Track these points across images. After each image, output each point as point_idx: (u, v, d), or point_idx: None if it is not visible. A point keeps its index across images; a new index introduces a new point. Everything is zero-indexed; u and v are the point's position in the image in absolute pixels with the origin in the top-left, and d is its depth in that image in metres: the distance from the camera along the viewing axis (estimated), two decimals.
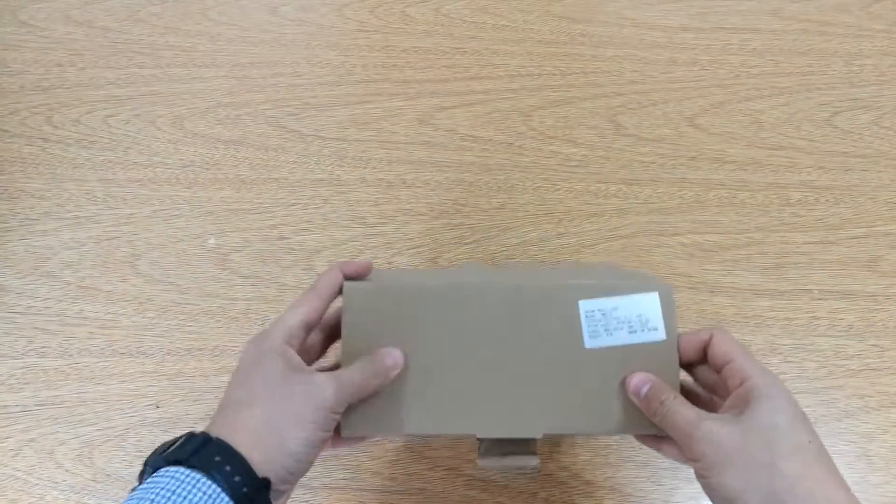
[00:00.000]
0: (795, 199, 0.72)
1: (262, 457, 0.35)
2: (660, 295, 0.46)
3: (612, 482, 0.57)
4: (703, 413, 0.39)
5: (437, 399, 0.45)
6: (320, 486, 0.57)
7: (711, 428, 0.38)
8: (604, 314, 0.46)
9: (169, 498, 0.32)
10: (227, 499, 0.33)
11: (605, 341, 0.46)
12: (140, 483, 0.35)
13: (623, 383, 0.45)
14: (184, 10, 0.86)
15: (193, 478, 0.33)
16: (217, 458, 0.34)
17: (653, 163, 0.74)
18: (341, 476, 0.57)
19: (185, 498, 0.32)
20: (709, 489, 0.38)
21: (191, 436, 0.36)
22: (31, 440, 0.59)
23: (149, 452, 0.58)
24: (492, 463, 0.47)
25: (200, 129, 0.76)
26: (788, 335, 0.64)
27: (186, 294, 0.66)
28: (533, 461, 0.47)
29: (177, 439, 0.36)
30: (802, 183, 0.73)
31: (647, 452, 0.58)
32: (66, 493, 0.57)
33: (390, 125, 0.76)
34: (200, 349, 0.63)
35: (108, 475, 0.58)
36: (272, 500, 0.36)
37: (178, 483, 0.33)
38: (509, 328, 0.46)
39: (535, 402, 0.45)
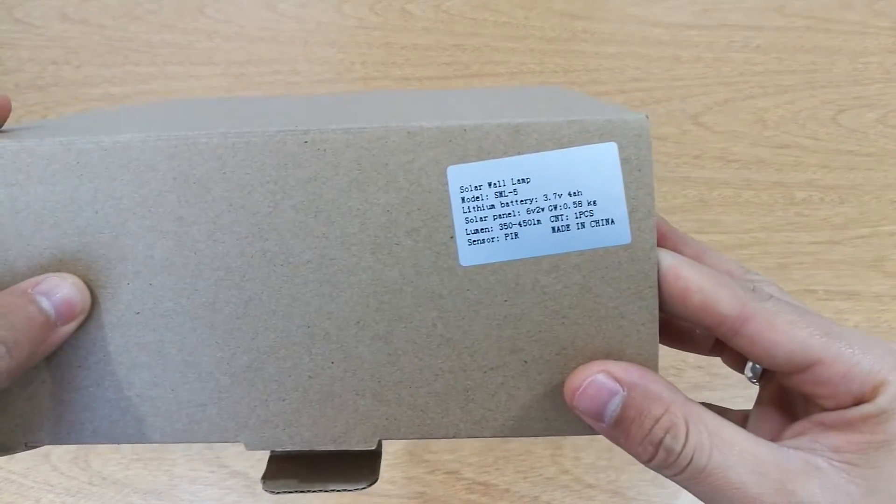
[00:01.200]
0: (800, 198, 0.71)
1: None
2: (619, 147, 0.24)
3: (615, 486, 0.56)
4: (763, 446, 0.20)
5: (171, 384, 0.26)
6: (318, 490, 0.56)
7: (741, 487, 0.19)
8: (501, 193, 0.24)
9: None
10: None
11: (500, 253, 0.24)
12: None
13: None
14: (180, 8, 0.85)
15: None
16: None
17: (656, 161, 0.73)
18: None
19: None
20: None
21: None
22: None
23: (145, 455, 0.58)
24: (288, 487, 0.29)
25: None
26: None
27: None
28: (364, 483, 0.29)
29: None
30: (807, 182, 0.72)
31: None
32: (61, 496, 0.56)
33: None
34: None
35: (103, 478, 0.57)
36: None
37: None
38: (314, 226, 0.25)
39: (364, 385, 0.25)
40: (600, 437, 0.24)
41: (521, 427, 0.25)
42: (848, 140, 0.75)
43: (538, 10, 0.85)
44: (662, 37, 0.83)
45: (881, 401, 0.20)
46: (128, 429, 0.26)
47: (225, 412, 0.26)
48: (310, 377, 0.26)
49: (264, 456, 0.58)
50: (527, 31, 0.84)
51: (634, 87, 0.79)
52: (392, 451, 0.57)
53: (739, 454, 0.20)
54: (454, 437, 0.25)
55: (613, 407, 0.22)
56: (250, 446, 0.27)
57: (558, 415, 0.25)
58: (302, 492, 0.29)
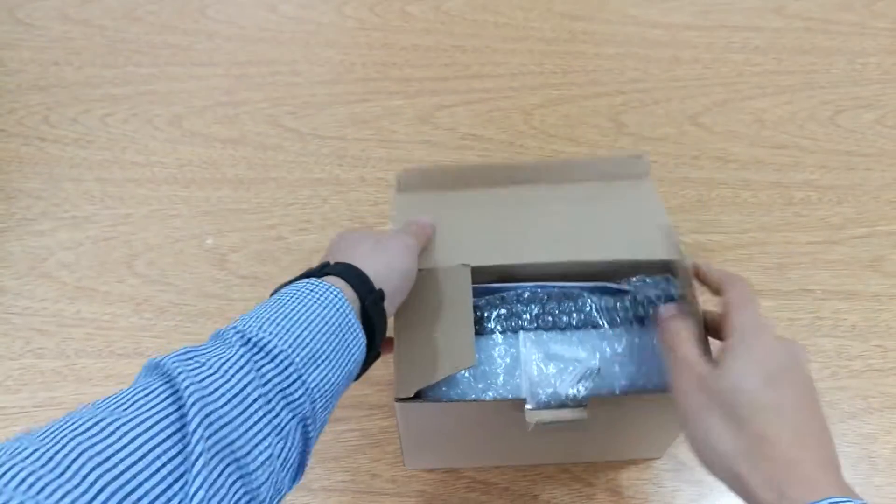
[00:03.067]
0: (798, 198, 0.71)
1: (375, 275, 0.42)
2: None
3: (613, 484, 0.56)
4: (695, 358, 0.39)
5: None
6: (319, 489, 0.57)
7: (690, 375, 0.39)
8: None
9: (303, 295, 0.39)
10: (347, 303, 0.39)
11: None
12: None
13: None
14: (181, 9, 0.86)
15: (323, 285, 0.40)
16: (354, 274, 0.42)
17: (655, 162, 0.73)
18: (340, 478, 0.57)
19: (320, 295, 0.39)
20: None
21: (325, 263, 0.43)
22: None
23: None
24: (542, 416, 0.44)
25: (198, 129, 0.76)
26: (791, 336, 0.64)
27: (184, 295, 0.65)
28: (583, 413, 0.45)
29: (325, 264, 0.43)
30: (805, 182, 0.72)
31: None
32: None
33: (390, 124, 0.76)
34: None
35: None
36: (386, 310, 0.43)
37: (311, 286, 0.40)
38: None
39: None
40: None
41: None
42: (846, 140, 0.75)
43: (538, 11, 0.86)
44: (661, 38, 0.83)
45: (727, 342, 0.38)
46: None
47: None
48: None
49: None
50: (526, 32, 0.84)
51: (633, 87, 0.79)
52: (392, 451, 0.57)
53: (688, 349, 0.40)
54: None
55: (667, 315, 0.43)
56: None
57: None
58: None
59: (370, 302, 0.41)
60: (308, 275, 0.42)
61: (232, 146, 0.75)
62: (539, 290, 0.48)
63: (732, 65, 0.81)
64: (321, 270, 0.42)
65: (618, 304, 0.48)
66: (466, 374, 0.46)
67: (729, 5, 0.86)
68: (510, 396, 0.45)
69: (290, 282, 0.42)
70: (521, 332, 0.47)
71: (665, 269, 0.50)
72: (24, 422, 0.59)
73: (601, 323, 0.47)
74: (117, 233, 0.69)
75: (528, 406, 0.44)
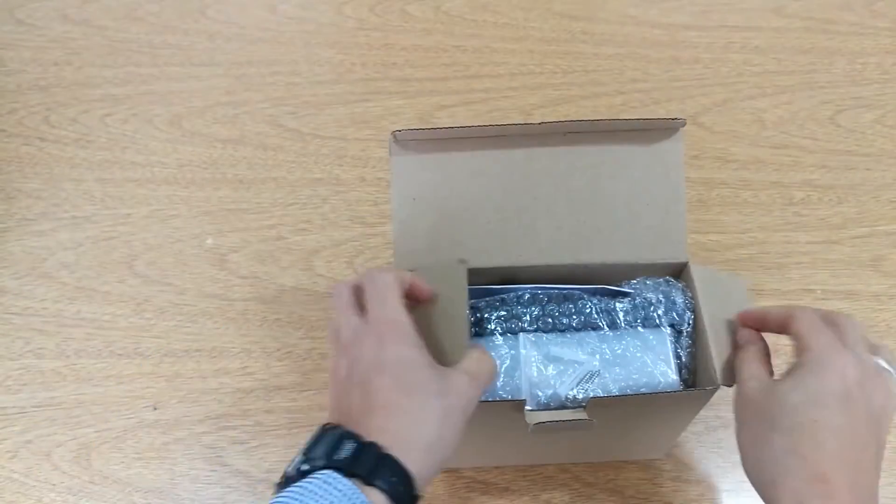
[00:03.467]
0: (798, 198, 0.71)
1: (427, 472, 0.35)
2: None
3: (613, 484, 0.56)
4: (757, 374, 0.41)
5: None
6: None
7: (747, 389, 0.40)
8: None
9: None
10: None
11: None
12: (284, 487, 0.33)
13: None
14: (181, 9, 0.86)
15: (352, 490, 0.32)
16: (396, 483, 0.33)
17: None
18: None
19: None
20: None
21: (361, 445, 0.34)
22: (28, 442, 0.59)
23: (147, 454, 0.58)
24: (542, 417, 0.44)
25: (198, 129, 0.76)
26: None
27: (184, 295, 0.65)
28: (583, 415, 0.44)
29: (341, 440, 0.34)
30: (805, 182, 0.72)
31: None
32: (63, 495, 0.57)
33: (390, 124, 0.76)
34: (198, 350, 0.63)
35: (105, 477, 0.57)
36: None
37: (337, 492, 0.32)
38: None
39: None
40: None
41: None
42: (846, 140, 0.75)
43: (538, 11, 0.86)
44: (661, 38, 0.83)
45: (797, 360, 0.40)
46: None
47: None
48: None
49: (266, 455, 0.58)
50: (526, 32, 0.84)
51: (633, 87, 0.79)
52: None
53: (750, 366, 0.42)
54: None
55: (742, 340, 0.44)
56: None
57: None
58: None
59: (405, 502, 0.33)
60: (327, 461, 0.32)
61: (232, 146, 0.75)
62: (539, 291, 0.48)
63: (732, 65, 0.81)
64: (348, 459, 0.32)
65: (618, 306, 0.48)
66: None
67: (729, 5, 0.86)
68: (510, 398, 0.45)
69: (298, 469, 0.33)
70: (521, 334, 0.47)
71: (665, 270, 0.50)
72: (24, 422, 0.59)
73: (601, 325, 0.47)
74: (117, 233, 0.69)
75: (527, 407, 0.44)
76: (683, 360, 0.47)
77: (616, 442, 0.54)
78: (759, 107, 0.77)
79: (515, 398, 0.45)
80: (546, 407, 0.46)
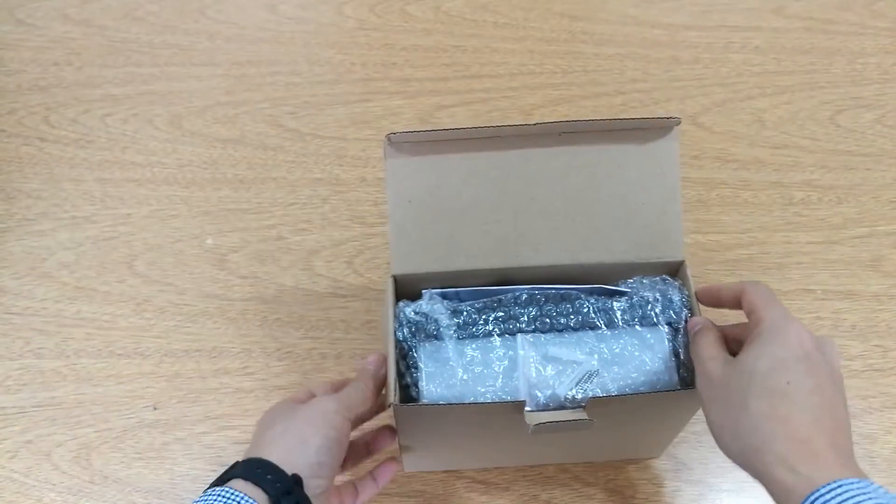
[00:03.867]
0: (798, 198, 0.71)
1: (287, 458, 0.41)
2: None
3: (613, 484, 0.57)
4: (716, 354, 0.42)
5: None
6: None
7: (710, 368, 0.41)
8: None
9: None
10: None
11: None
12: None
13: None
14: (181, 9, 0.86)
15: (231, 492, 0.39)
16: (256, 469, 0.41)
17: None
18: (341, 478, 0.57)
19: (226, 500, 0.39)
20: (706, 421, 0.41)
21: (235, 463, 0.43)
22: (28, 442, 0.59)
23: (147, 454, 0.58)
24: (541, 418, 0.45)
25: (198, 129, 0.76)
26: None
27: (184, 295, 0.66)
28: (582, 415, 0.45)
29: (235, 464, 0.43)
30: (805, 182, 0.72)
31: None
32: (63, 494, 0.57)
33: (390, 124, 0.76)
34: (198, 350, 0.63)
35: (105, 477, 0.57)
36: (314, 495, 0.41)
37: (213, 499, 0.39)
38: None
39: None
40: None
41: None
42: (846, 140, 0.75)
43: (538, 11, 0.86)
44: (661, 38, 0.83)
45: (754, 331, 0.41)
46: None
47: None
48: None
49: None
50: (526, 32, 0.84)
51: (633, 87, 0.79)
52: (392, 451, 0.58)
53: (708, 349, 0.43)
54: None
55: (696, 329, 0.45)
56: None
57: None
58: None
59: (281, 494, 0.40)
60: (218, 480, 0.41)
61: (232, 146, 0.75)
62: (536, 292, 0.48)
63: (732, 65, 0.81)
64: (226, 475, 0.41)
65: (615, 306, 0.48)
66: (465, 377, 0.46)
67: (729, 5, 0.86)
68: (509, 399, 0.45)
69: (207, 488, 0.41)
70: (519, 335, 0.47)
71: (662, 269, 0.50)
72: (24, 422, 0.59)
73: (599, 324, 0.47)
74: (117, 233, 0.69)
75: (527, 408, 0.44)
76: (682, 358, 0.47)
77: (615, 441, 0.54)
78: (759, 107, 0.78)
79: (515, 399, 0.45)
80: (545, 407, 0.46)
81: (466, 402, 0.45)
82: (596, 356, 0.47)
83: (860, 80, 0.80)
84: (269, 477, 0.40)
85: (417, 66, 0.80)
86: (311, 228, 0.69)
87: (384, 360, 0.47)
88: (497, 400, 0.45)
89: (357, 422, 0.47)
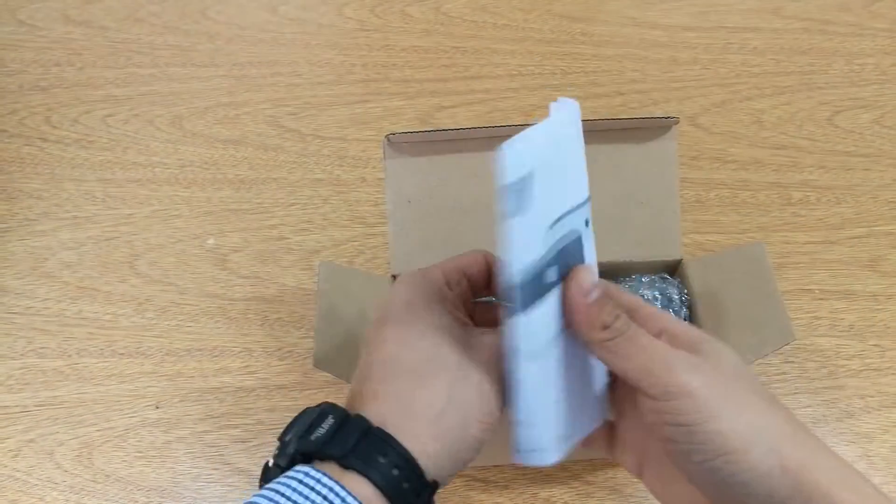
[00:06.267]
0: (797, 198, 0.72)
1: (439, 451, 0.28)
2: None
3: (612, 483, 0.57)
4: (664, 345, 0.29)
5: None
6: None
7: (696, 363, 0.28)
8: None
9: None
10: None
11: None
12: (265, 482, 0.27)
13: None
14: (182, 10, 0.86)
15: (329, 490, 0.25)
16: (380, 458, 0.26)
17: None
18: None
19: None
20: (693, 441, 0.27)
21: (347, 420, 0.27)
22: (31, 441, 0.59)
23: (149, 453, 0.58)
24: None
25: (199, 129, 0.76)
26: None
27: (185, 294, 0.66)
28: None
29: (322, 416, 0.28)
30: (804, 182, 0.73)
31: None
32: (65, 493, 0.57)
33: (390, 124, 0.76)
34: (200, 350, 0.63)
35: (107, 476, 0.57)
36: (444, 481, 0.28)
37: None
38: None
39: None
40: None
41: None
42: (844, 141, 0.76)
43: (537, 12, 0.86)
44: (660, 39, 0.83)
45: (685, 335, 0.29)
46: None
47: None
48: None
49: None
50: (526, 33, 0.84)
51: (632, 88, 0.79)
52: None
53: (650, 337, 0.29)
54: None
55: (596, 294, 0.29)
56: None
57: None
58: None
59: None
60: (297, 445, 0.27)
61: (233, 147, 0.75)
62: None
63: (731, 66, 0.81)
64: (329, 450, 0.26)
65: None
66: None
67: (727, 6, 0.86)
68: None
69: (272, 462, 0.27)
70: None
71: (660, 267, 0.50)
72: (26, 421, 0.60)
73: None
74: (119, 233, 0.69)
75: None
76: None
77: None
78: (758, 107, 0.78)
79: None
80: None
81: None
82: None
83: (858, 80, 0.80)
84: (406, 486, 0.26)
85: (417, 67, 0.81)
86: (311, 228, 0.70)
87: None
88: None
89: None
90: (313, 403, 0.60)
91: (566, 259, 0.30)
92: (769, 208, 0.71)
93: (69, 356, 0.63)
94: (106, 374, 0.62)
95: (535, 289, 0.28)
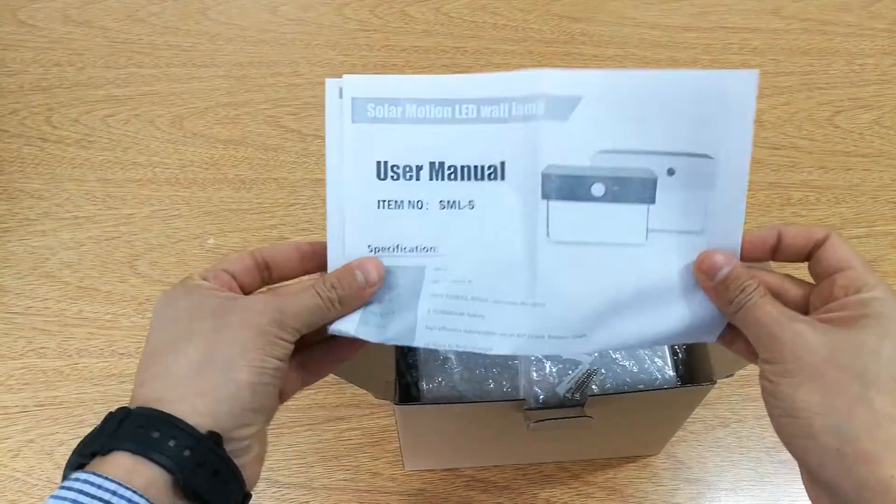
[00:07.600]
0: (796, 198, 0.72)
1: (206, 403, 0.28)
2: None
3: (612, 482, 0.57)
4: (792, 313, 0.32)
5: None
6: (320, 487, 0.57)
7: (802, 331, 0.30)
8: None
9: None
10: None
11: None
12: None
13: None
14: (183, 10, 0.86)
15: (100, 482, 0.26)
16: (140, 430, 0.27)
17: None
18: (341, 477, 0.57)
19: None
20: (772, 397, 0.30)
21: (110, 415, 0.29)
22: (31, 441, 0.59)
23: None
24: (540, 416, 0.43)
25: (199, 129, 0.76)
26: None
27: None
28: (581, 412, 0.43)
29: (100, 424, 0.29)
30: (803, 182, 0.73)
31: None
32: None
33: None
34: None
35: None
36: (238, 449, 0.29)
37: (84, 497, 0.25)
38: None
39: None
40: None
41: None
42: (844, 141, 0.76)
43: (537, 12, 0.86)
44: (660, 39, 0.83)
45: (864, 297, 0.31)
46: None
47: None
48: None
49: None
50: (526, 33, 0.84)
51: None
52: (392, 450, 0.58)
53: (773, 305, 0.33)
54: None
55: (725, 271, 0.34)
56: None
57: None
58: None
59: (189, 467, 0.27)
60: (84, 451, 0.27)
61: (233, 147, 0.75)
62: None
63: (731, 66, 0.81)
64: (103, 442, 0.27)
65: None
66: (464, 377, 0.46)
67: (727, 7, 0.86)
68: (509, 397, 0.46)
69: (69, 468, 0.28)
70: None
71: None
72: (26, 421, 0.60)
73: None
74: (119, 233, 0.69)
75: (526, 406, 0.44)
76: (680, 356, 0.47)
77: (614, 439, 0.54)
78: (758, 108, 0.77)
79: (514, 397, 0.46)
80: (545, 405, 0.46)
81: (467, 401, 0.46)
82: (595, 354, 0.47)
83: (858, 81, 0.80)
84: (171, 444, 0.26)
85: (418, 68, 0.81)
86: (312, 229, 0.70)
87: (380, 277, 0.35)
88: (497, 399, 0.46)
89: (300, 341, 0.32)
90: (312, 403, 0.60)
91: (627, 189, 0.34)
92: (769, 208, 0.71)
93: (69, 356, 0.63)
94: (106, 374, 0.62)
95: (572, 189, 0.33)
